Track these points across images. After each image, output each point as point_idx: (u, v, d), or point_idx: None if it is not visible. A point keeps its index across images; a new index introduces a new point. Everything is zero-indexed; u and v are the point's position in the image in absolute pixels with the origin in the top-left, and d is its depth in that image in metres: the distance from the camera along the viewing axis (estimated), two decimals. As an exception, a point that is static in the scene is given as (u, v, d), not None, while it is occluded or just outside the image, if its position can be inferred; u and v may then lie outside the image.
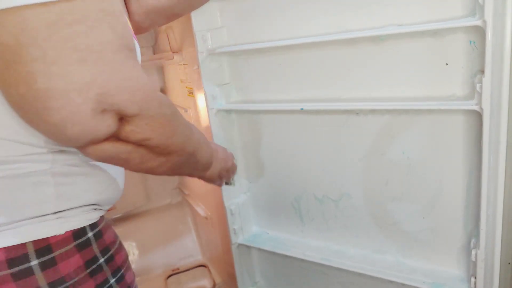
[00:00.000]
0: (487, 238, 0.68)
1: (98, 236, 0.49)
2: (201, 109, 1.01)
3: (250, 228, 1.14)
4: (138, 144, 0.43)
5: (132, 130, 0.41)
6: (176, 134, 0.47)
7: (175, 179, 1.56)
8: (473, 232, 0.74)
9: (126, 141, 0.42)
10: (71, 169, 0.46)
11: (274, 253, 1.07)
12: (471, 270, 0.73)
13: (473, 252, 0.70)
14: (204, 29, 0.96)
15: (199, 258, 1.50)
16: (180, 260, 1.48)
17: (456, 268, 0.79)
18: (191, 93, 1.10)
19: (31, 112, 0.37)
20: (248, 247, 1.12)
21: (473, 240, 0.72)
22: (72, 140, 0.39)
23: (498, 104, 0.60)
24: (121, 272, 0.52)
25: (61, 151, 0.45)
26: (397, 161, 0.79)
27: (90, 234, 0.48)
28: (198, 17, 0.94)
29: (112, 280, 0.50)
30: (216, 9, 0.98)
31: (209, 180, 0.71)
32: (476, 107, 0.62)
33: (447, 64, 0.68)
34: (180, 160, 0.51)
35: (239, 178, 1.05)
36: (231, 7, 0.93)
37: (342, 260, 0.92)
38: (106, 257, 0.50)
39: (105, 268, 0.49)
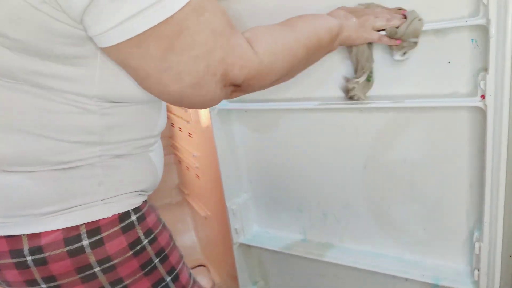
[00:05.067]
0: (490, 231, 0.69)
1: (141, 219, 0.53)
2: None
3: (251, 227, 1.14)
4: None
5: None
6: (288, 70, 0.59)
7: (175, 179, 1.56)
8: (475, 226, 0.76)
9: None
10: (117, 161, 0.50)
11: (275, 252, 1.07)
12: (474, 264, 0.74)
13: (476, 246, 0.71)
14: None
15: (198, 258, 1.50)
16: (180, 260, 1.48)
17: (458, 262, 0.80)
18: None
19: (182, 102, 0.48)
20: (248, 246, 1.12)
21: (476, 234, 0.73)
22: (207, 107, 0.53)
23: (500, 101, 0.62)
24: (165, 252, 0.55)
25: (108, 143, 0.49)
26: (401, 160, 0.80)
27: (133, 218, 0.52)
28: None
29: (156, 260, 0.54)
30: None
31: (356, 40, 0.67)
32: (480, 104, 0.64)
33: (449, 62, 0.70)
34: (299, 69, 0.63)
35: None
36: (232, 7, 0.94)
37: (344, 257, 0.93)
38: (149, 239, 0.53)
39: (149, 249, 0.53)
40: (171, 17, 0.40)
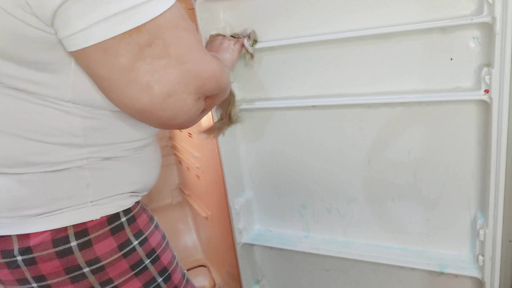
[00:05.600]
0: (494, 218, 0.73)
1: (131, 220, 0.53)
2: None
3: (253, 226, 1.15)
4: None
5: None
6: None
7: (176, 179, 1.55)
8: (477, 214, 0.79)
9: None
10: (106, 163, 0.50)
11: (277, 250, 1.08)
12: (478, 250, 0.78)
13: (481, 232, 0.75)
14: (207, 29, 0.97)
15: (199, 258, 1.49)
16: (180, 260, 1.46)
17: (461, 250, 0.84)
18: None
19: (148, 117, 0.45)
20: (251, 245, 1.12)
21: (479, 221, 0.77)
22: (177, 126, 0.48)
23: (502, 94, 0.66)
24: (156, 253, 0.55)
25: (94, 145, 0.49)
26: (405, 153, 0.83)
27: (123, 219, 0.52)
28: (201, 17, 0.95)
29: (147, 261, 0.54)
30: (219, 8, 0.98)
31: (232, 57, 0.84)
32: (485, 97, 0.67)
33: (451, 59, 0.73)
34: None
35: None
36: (234, 6, 0.95)
37: (349, 250, 0.95)
38: (139, 240, 0.53)
39: (139, 250, 0.53)
40: (144, 25, 0.39)
